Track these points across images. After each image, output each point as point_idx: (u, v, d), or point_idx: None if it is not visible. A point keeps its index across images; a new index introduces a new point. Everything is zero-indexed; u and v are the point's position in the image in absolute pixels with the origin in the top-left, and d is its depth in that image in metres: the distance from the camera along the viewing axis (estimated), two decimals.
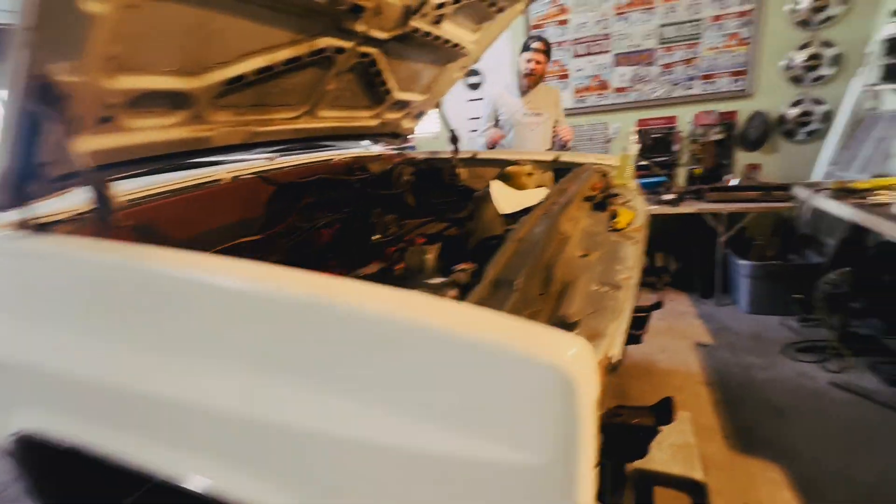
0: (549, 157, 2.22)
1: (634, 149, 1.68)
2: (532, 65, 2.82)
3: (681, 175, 3.48)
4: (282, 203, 1.57)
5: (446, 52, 1.93)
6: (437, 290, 0.70)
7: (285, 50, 1.25)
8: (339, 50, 1.41)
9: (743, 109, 3.24)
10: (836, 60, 2.96)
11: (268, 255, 1.41)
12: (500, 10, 1.87)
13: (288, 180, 1.59)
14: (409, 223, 1.71)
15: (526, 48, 2.85)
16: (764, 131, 3.20)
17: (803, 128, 3.13)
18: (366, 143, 2.55)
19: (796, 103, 3.11)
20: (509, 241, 0.77)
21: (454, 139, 2.33)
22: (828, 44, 2.95)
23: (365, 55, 1.54)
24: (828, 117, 3.06)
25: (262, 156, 1.69)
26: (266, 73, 1.26)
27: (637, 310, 1.67)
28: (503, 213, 1.25)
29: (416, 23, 1.54)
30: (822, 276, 2.67)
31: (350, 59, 1.50)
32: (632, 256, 0.84)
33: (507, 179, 2.20)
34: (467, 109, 3.92)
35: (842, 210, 1.84)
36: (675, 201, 3.01)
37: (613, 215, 1.09)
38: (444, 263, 1.30)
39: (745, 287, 2.91)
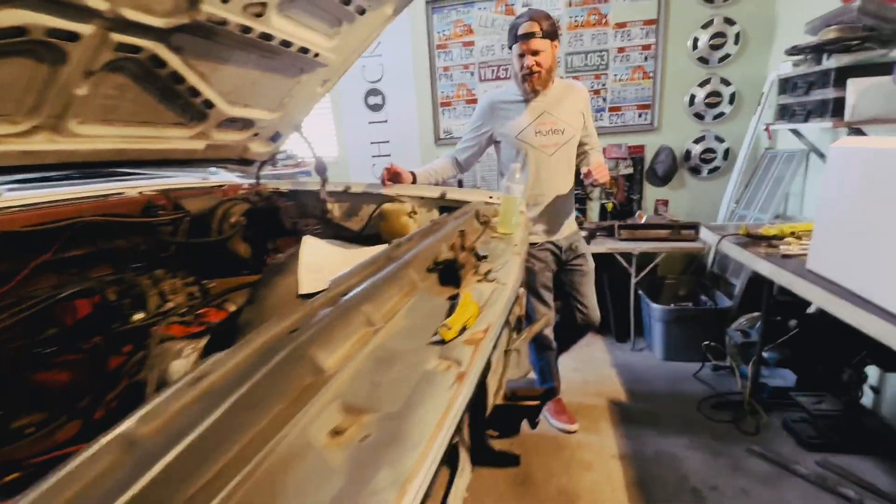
0: (435, 193, 1.85)
1: (519, 189, 1.34)
2: (529, 61, 1.73)
3: (593, 210, 3.30)
4: None
5: (292, 59, 1.50)
6: None
7: None
8: (69, 36, 0.92)
9: (650, 144, 3.14)
10: (734, 98, 2.95)
11: None
12: (361, 11, 1.48)
13: (8, 228, 1.03)
14: (214, 288, 1.21)
15: (514, 37, 1.76)
16: (671, 167, 3.11)
17: (707, 164, 3.08)
18: (214, 170, 2.04)
19: (699, 139, 3.05)
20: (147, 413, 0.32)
21: (321, 169, 1.88)
22: (726, 81, 2.94)
23: (135, 49, 1.06)
24: (729, 155, 3.03)
25: None
26: None
27: (524, 397, 1.29)
28: (302, 293, 0.81)
29: (216, 10, 1.09)
30: (731, 321, 2.54)
31: (104, 53, 1.01)
32: (434, 429, 0.43)
33: (382, 220, 1.79)
34: (368, 133, 3.51)
35: (754, 262, 1.63)
36: (586, 239, 2.78)
37: (452, 307, 0.70)
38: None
39: (659, 332, 2.72)
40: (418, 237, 0.97)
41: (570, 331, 2.14)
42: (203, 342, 0.83)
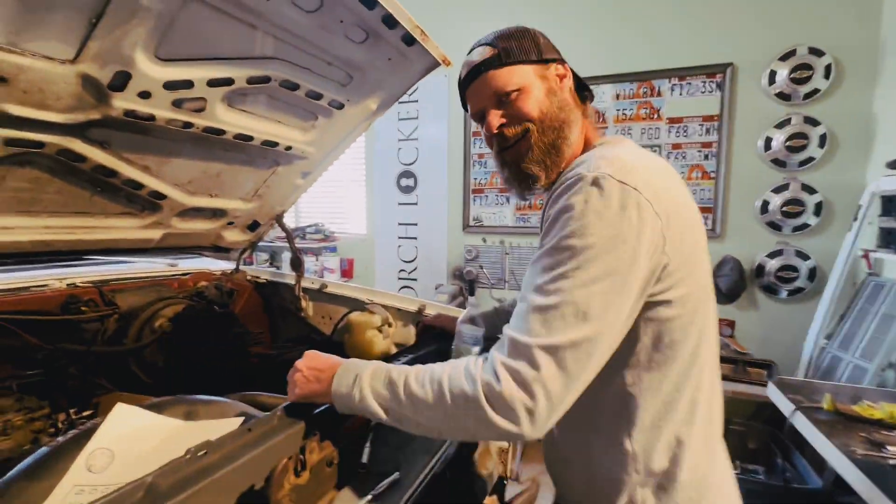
0: (413, 305, 1.56)
1: (473, 334, 1.00)
2: (492, 119, 0.77)
3: None
4: None
5: (261, 152, 1.38)
6: None
7: None
8: None
9: (712, 253, 2.64)
10: (821, 209, 2.42)
11: None
12: (339, 105, 1.34)
13: None
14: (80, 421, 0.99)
15: (462, 94, 0.85)
16: (737, 282, 2.57)
17: (786, 284, 2.50)
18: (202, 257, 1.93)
19: (775, 254, 2.51)
20: None
21: (296, 263, 1.70)
22: (809, 189, 2.44)
23: (34, 144, 0.95)
24: (815, 275, 2.44)
25: None
26: None
27: None
28: None
29: (135, 106, 0.97)
30: None
31: None
32: None
33: (347, 332, 1.53)
34: (398, 214, 3.40)
35: (842, 465, 1.10)
36: None
37: None
38: None
39: None
40: (266, 427, 0.67)
41: None
42: None
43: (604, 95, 2.79)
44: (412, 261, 3.40)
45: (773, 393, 1.51)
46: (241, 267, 1.93)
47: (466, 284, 2.98)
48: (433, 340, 1.27)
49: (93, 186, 1.16)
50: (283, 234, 3.48)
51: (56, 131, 0.95)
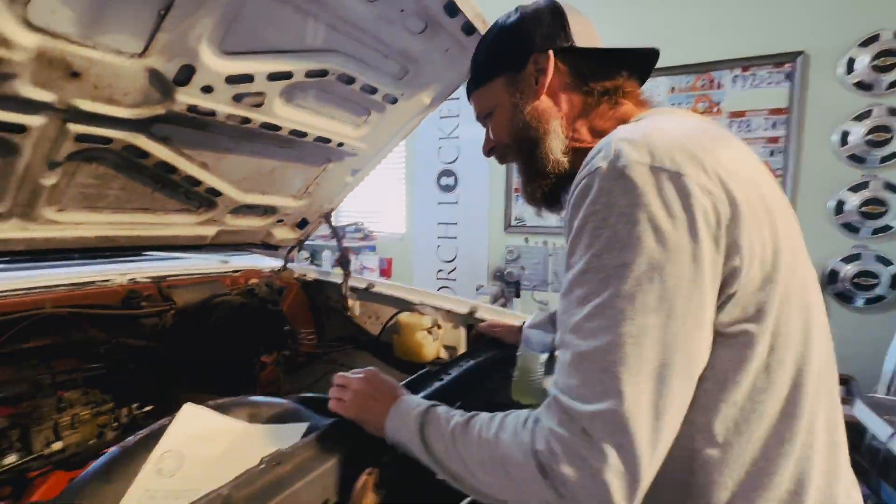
0: (464, 308, 1.50)
1: (542, 340, 0.93)
2: (485, 145, 0.76)
3: None
4: None
5: (313, 148, 1.36)
6: None
7: None
8: (15, 128, 0.83)
9: None
10: None
11: None
12: (393, 100, 1.30)
13: None
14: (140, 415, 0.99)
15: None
16: None
17: (863, 292, 2.28)
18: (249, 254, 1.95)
19: (852, 258, 2.30)
20: None
21: (344, 262, 1.68)
22: (893, 187, 2.22)
23: (102, 140, 0.95)
24: None
25: None
26: None
27: None
28: None
29: (197, 101, 0.96)
30: None
31: (65, 144, 0.91)
32: None
33: (396, 332, 1.49)
34: (437, 213, 3.36)
35: None
36: None
37: None
38: None
39: None
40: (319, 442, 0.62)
41: None
42: None
43: (658, 88, 2.64)
44: (452, 261, 3.35)
45: (865, 414, 1.36)
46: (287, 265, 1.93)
47: (510, 286, 2.90)
48: (486, 348, 1.21)
49: (154, 182, 1.17)
50: (325, 233, 3.51)
51: (123, 127, 0.96)
